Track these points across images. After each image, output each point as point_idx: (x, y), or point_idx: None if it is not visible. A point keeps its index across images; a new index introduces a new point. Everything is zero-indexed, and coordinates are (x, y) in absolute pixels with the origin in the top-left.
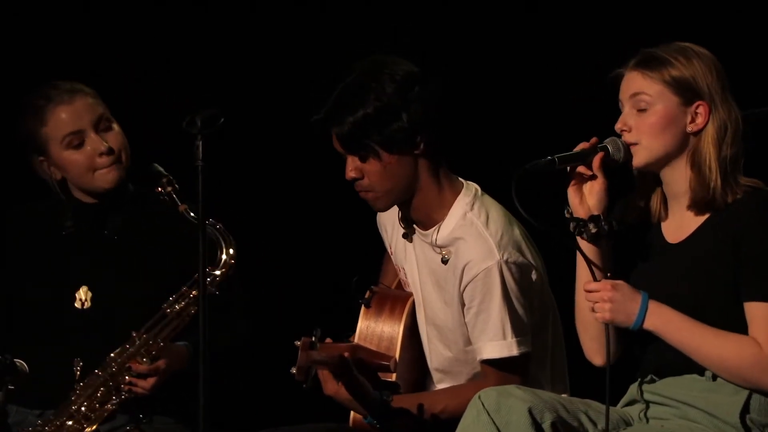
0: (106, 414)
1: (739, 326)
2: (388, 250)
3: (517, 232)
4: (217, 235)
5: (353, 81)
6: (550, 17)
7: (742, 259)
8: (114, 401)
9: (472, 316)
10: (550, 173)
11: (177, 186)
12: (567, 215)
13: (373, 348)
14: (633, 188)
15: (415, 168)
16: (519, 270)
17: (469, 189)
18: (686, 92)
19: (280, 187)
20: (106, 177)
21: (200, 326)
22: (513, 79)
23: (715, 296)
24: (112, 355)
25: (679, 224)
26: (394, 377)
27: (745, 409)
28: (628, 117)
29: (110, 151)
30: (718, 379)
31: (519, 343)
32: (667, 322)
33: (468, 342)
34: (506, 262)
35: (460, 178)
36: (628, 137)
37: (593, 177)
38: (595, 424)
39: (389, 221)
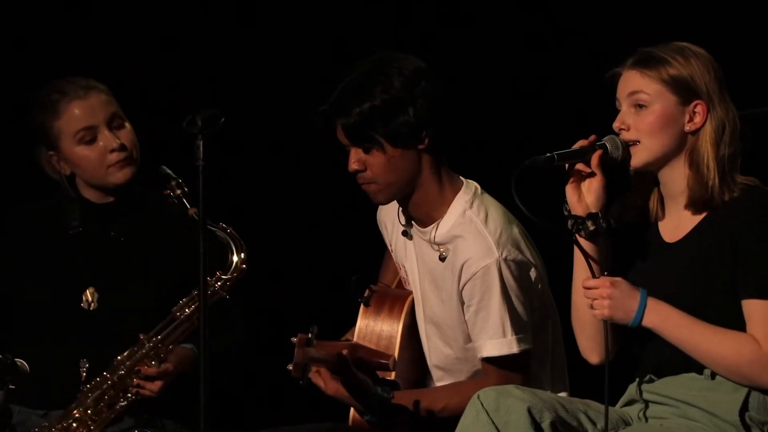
0: (113, 416)
1: (738, 324)
2: (389, 248)
3: (516, 230)
4: (228, 239)
5: (361, 73)
6: (550, 17)
7: (740, 257)
8: (122, 403)
9: (471, 314)
10: (549, 170)
11: (186, 189)
12: (565, 213)
13: (372, 347)
14: (629, 187)
15: (418, 163)
16: (518, 268)
17: (469, 187)
18: (684, 91)
19: (280, 187)
20: (117, 174)
21: (200, 327)
22: (513, 78)
23: (713, 294)
24: (120, 357)
25: (677, 223)
26: (393, 376)
27: (744, 407)
28: (626, 115)
29: (122, 148)
30: (717, 377)
31: (519, 341)
32: (665, 319)
33: (468, 339)
34: (505, 259)
35: (461, 177)
36: (626, 135)
37: (591, 174)
38: (594, 424)
39: (389, 219)
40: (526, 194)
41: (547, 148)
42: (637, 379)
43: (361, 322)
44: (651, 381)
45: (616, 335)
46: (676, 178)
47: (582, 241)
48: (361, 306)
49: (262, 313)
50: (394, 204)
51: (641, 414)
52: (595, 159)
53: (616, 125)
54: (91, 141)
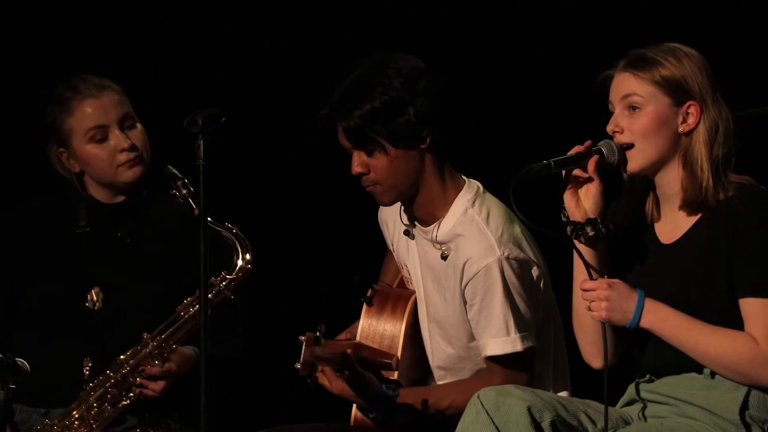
0: (115, 415)
1: (736, 323)
2: (390, 248)
3: (517, 229)
4: (234, 240)
5: (359, 75)
6: (549, 17)
7: (736, 256)
8: (124, 402)
9: (474, 313)
10: (547, 177)
11: (192, 189)
12: (563, 219)
13: (375, 346)
14: (622, 190)
15: (421, 163)
16: (520, 266)
17: (471, 186)
18: (677, 93)
19: (281, 186)
20: (126, 173)
21: (201, 328)
22: (512, 78)
23: (711, 294)
24: (123, 356)
25: (672, 225)
26: (396, 375)
27: (744, 406)
28: (619, 118)
29: (132, 148)
30: (717, 376)
31: (523, 339)
32: (663, 320)
33: (471, 338)
34: (507, 258)
35: (463, 176)
36: (620, 138)
37: (589, 180)
38: (594, 423)
39: (390, 218)
40: (524, 200)
41: (547, 147)
42: (637, 380)
43: (363, 322)
44: (650, 381)
45: (616, 340)
46: (670, 180)
47: (581, 246)
48: (364, 306)
49: (262, 313)
50: (396, 203)
51: (641, 414)
52: (591, 164)
53: (609, 128)
54: (101, 140)
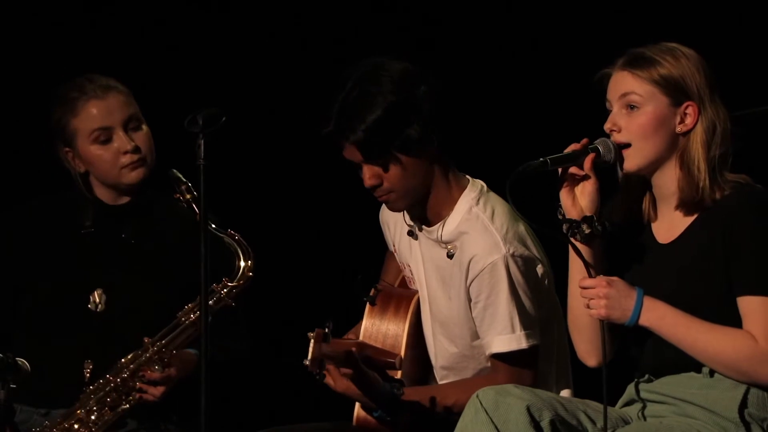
0: (115, 419)
1: (734, 322)
2: (390, 248)
3: (522, 227)
4: (236, 246)
5: (355, 89)
6: (547, 15)
7: (733, 255)
8: (123, 406)
9: (479, 310)
10: (544, 174)
11: (196, 193)
12: (559, 216)
13: (379, 346)
14: (617, 189)
15: (431, 166)
16: (525, 263)
17: (475, 185)
18: (676, 93)
19: (282, 186)
20: (129, 174)
21: (201, 330)
22: (510, 76)
23: (709, 293)
24: (123, 360)
25: (669, 224)
26: (399, 374)
27: (744, 404)
28: (617, 117)
29: (136, 150)
30: (716, 375)
31: (528, 336)
32: (662, 318)
33: (474, 337)
34: (512, 255)
35: (467, 176)
36: (617, 137)
37: (585, 178)
38: (594, 423)
39: (392, 219)
40: (523, 198)
41: (545, 145)
42: (636, 379)
43: (366, 322)
44: (650, 381)
45: (613, 337)
46: (667, 180)
47: (578, 244)
48: (367, 305)
49: (262, 313)
50: None
51: (640, 413)
52: (588, 162)
53: (607, 126)
54: (105, 141)
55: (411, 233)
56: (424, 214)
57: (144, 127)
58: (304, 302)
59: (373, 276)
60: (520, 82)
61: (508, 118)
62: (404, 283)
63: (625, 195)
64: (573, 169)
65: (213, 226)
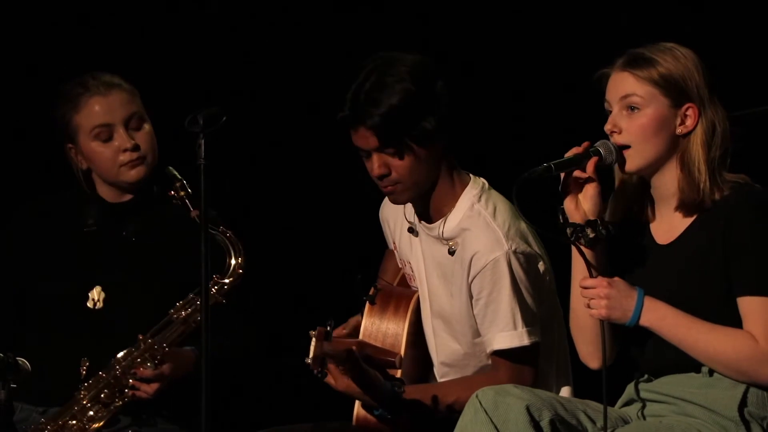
0: (109, 415)
1: (734, 323)
2: (390, 245)
3: (523, 224)
4: (227, 243)
5: (369, 76)
6: (548, 17)
7: (733, 255)
8: (117, 403)
9: (481, 307)
10: (547, 179)
11: (190, 191)
12: (560, 221)
13: (378, 345)
14: (612, 190)
15: (438, 161)
16: (527, 260)
17: (477, 182)
18: (676, 94)
19: (282, 185)
20: (129, 173)
21: (202, 330)
22: (512, 76)
23: (709, 294)
24: (117, 357)
25: (669, 225)
26: (399, 373)
27: (743, 403)
28: (617, 118)
29: (135, 149)
30: (715, 374)
31: (530, 333)
32: (662, 318)
33: (476, 334)
34: (514, 252)
35: (469, 173)
36: (618, 139)
37: (588, 181)
38: (593, 422)
39: (392, 216)
40: (527, 202)
41: (544, 145)
42: (636, 379)
43: (366, 321)
44: (649, 380)
45: (613, 339)
46: (667, 181)
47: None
48: (367, 304)
49: (264, 313)
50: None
51: (640, 413)
52: (590, 165)
53: (607, 128)
54: (106, 139)
55: (411, 230)
56: (426, 210)
57: (146, 125)
58: (304, 301)
59: (372, 275)
60: (521, 81)
61: (508, 117)
62: (404, 281)
63: (622, 196)
64: (576, 173)
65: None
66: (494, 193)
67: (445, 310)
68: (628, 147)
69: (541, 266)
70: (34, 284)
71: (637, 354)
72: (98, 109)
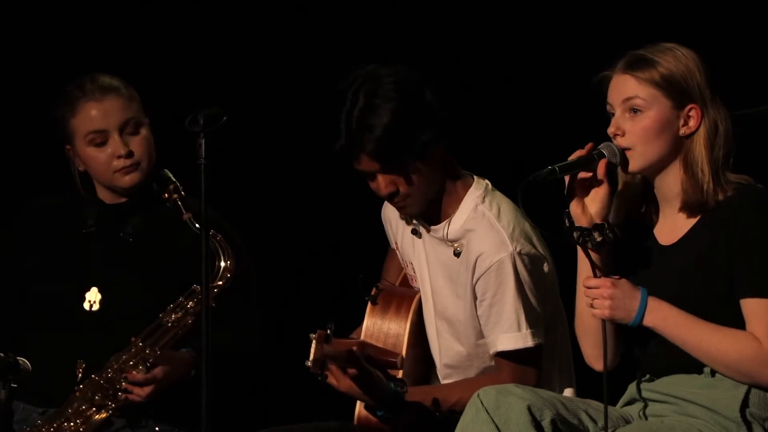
0: (102, 418)
1: (736, 324)
2: (392, 245)
3: (527, 225)
4: (216, 246)
5: (356, 101)
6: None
7: (736, 256)
8: (110, 406)
9: (485, 308)
10: (552, 182)
11: (183, 193)
12: (566, 224)
13: (380, 345)
14: (616, 191)
15: (441, 166)
16: (531, 261)
17: (480, 183)
18: (678, 95)
19: (283, 185)
20: (123, 179)
21: (202, 330)
22: (512, 75)
23: (711, 295)
24: (110, 360)
25: (672, 226)
26: (400, 374)
27: (745, 404)
28: (620, 121)
29: (129, 155)
30: (717, 374)
31: (533, 335)
32: (666, 319)
33: (479, 336)
34: (519, 253)
35: (472, 174)
36: (621, 141)
37: (595, 184)
38: (595, 422)
39: (394, 216)
40: (533, 205)
41: (545, 145)
42: (637, 379)
43: (368, 321)
44: (651, 380)
45: (618, 342)
46: (670, 182)
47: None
48: (368, 304)
49: (263, 313)
50: None
51: (641, 413)
52: (602, 168)
53: (610, 131)
54: (101, 144)
55: (415, 231)
56: (430, 212)
57: (143, 131)
58: (305, 302)
59: (374, 275)
60: (521, 81)
61: (508, 117)
62: (406, 281)
63: (626, 197)
64: (582, 175)
65: (197, 225)
66: (498, 193)
67: (449, 311)
68: (631, 149)
69: (545, 267)
70: (34, 285)
71: (639, 353)
72: (93, 114)
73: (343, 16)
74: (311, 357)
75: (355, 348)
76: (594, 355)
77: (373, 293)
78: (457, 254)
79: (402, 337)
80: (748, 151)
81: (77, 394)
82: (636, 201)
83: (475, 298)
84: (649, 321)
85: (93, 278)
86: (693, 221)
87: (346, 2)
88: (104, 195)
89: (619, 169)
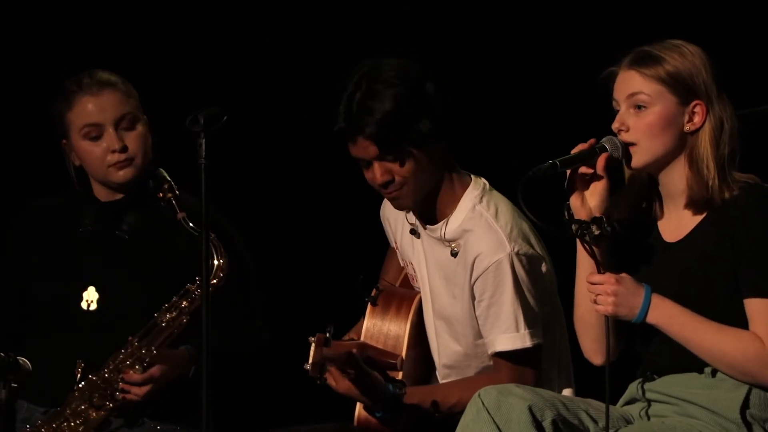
0: (101, 419)
1: (739, 322)
2: (392, 245)
3: (525, 225)
4: (210, 245)
5: (359, 86)
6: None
7: (741, 256)
8: (108, 406)
9: (483, 308)
10: (553, 176)
11: (177, 192)
12: (566, 217)
13: (380, 346)
14: (621, 186)
15: (438, 163)
16: (529, 261)
17: (478, 183)
18: (683, 91)
19: (283, 185)
20: (117, 174)
21: (203, 331)
22: (513, 73)
23: (715, 294)
24: (108, 360)
25: (677, 223)
26: (400, 375)
27: (746, 405)
28: (625, 116)
29: (123, 150)
30: (718, 375)
31: (532, 335)
32: (669, 317)
33: (478, 336)
34: (517, 253)
35: (470, 173)
36: (625, 137)
37: (595, 178)
38: (595, 422)
39: (392, 215)
40: (531, 199)
41: (546, 143)
42: (638, 378)
43: (368, 322)
44: (652, 379)
45: (619, 335)
46: (675, 179)
47: (585, 245)
48: (368, 305)
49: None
50: None
51: (642, 412)
52: (601, 162)
53: (615, 126)
54: (96, 138)
55: (413, 231)
56: (427, 212)
57: (139, 127)
58: (305, 303)
59: (374, 276)
60: (522, 79)
61: (508, 114)
62: (406, 281)
63: (631, 192)
64: (583, 170)
65: (191, 225)
66: (495, 193)
67: (446, 311)
68: (635, 144)
69: (543, 267)
70: (33, 285)
71: (640, 351)
72: (89, 108)
73: (343, 16)
74: (310, 360)
75: (354, 350)
76: (592, 349)
77: (373, 294)
78: (454, 254)
79: (402, 338)
80: (749, 151)
81: (76, 394)
82: (642, 196)
83: (473, 298)
84: (652, 318)
85: (90, 277)
86: (698, 219)
87: (345, 2)
88: (100, 192)
89: (625, 165)
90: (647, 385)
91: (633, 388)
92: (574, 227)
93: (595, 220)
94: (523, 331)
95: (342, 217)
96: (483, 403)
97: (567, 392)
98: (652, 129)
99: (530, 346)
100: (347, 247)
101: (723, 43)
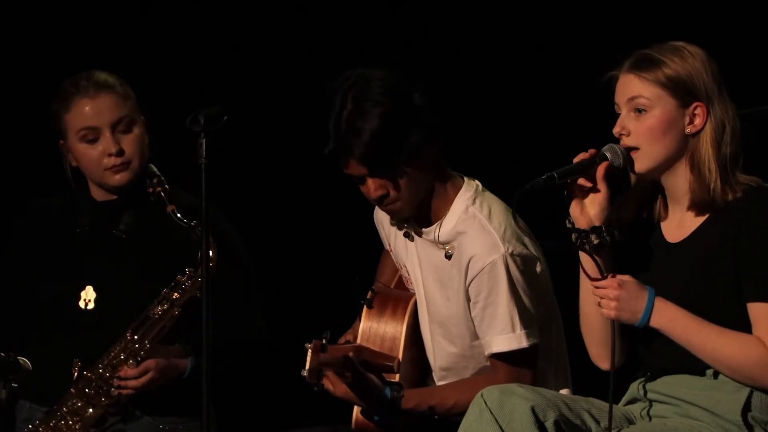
0: (98, 415)
1: (740, 324)
2: (386, 247)
3: (519, 225)
4: (199, 236)
5: (345, 105)
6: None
7: (744, 259)
8: (104, 402)
9: (479, 310)
10: (551, 188)
11: (167, 187)
12: (568, 225)
13: (376, 349)
14: (628, 188)
15: (431, 168)
16: (524, 262)
17: (470, 185)
18: (684, 94)
19: (281, 186)
20: (113, 177)
21: (203, 329)
22: (510, 75)
23: (716, 296)
24: (104, 356)
25: (680, 224)
26: (397, 378)
27: (747, 407)
28: (626, 120)
29: (120, 153)
30: (720, 377)
31: (528, 335)
32: (672, 320)
33: (474, 337)
34: (511, 254)
35: (462, 176)
36: (626, 141)
37: (594, 188)
38: (597, 422)
39: (386, 218)
40: (528, 209)
41: (545, 145)
42: (640, 378)
43: (364, 324)
44: (653, 379)
45: (624, 340)
46: (678, 182)
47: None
48: (364, 308)
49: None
50: None
51: (644, 412)
52: (601, 171)
53: (616, 130)
54: (92, 141)
55: (407, 234)
56: (420, 215)
57: (136, 129)
58: (302, 305)
59: (370, 278)
60: (518, 81)
61: (504, 117)
62: (401, 283)
63: (636, 196)
64: (581, 182)
65: (179, 216)
66: (488, 194)
67: (441, 313)
68: (636, 149)
69: (537, 268)
70: (32, 285)
71: (643, 352)
72: (85, 110)
73: (343, 17)
74: (307, 367)
75: (351, 353)
76: (599, 354)
77: (368, 296)
78: (448, 257)
79: (398, 340)
80: (750, 151)
81: (72, 391)
82: (647, 199)
83: (468, 300)
84: (655, 322)
85: (87, 277)
86: (701, 219)
87: (345, 2)
88: (96, 192)
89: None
90: (648, 386)
91: (634, 388)
92: (573, 236)
93: (594, 230)
94: (519, 332)
95: (342, 217)
96: (486, 403)
97: (564, 392)
98: (652, 132)
99: (527, 346)
100: (347, 247)
101: (723, 43)
